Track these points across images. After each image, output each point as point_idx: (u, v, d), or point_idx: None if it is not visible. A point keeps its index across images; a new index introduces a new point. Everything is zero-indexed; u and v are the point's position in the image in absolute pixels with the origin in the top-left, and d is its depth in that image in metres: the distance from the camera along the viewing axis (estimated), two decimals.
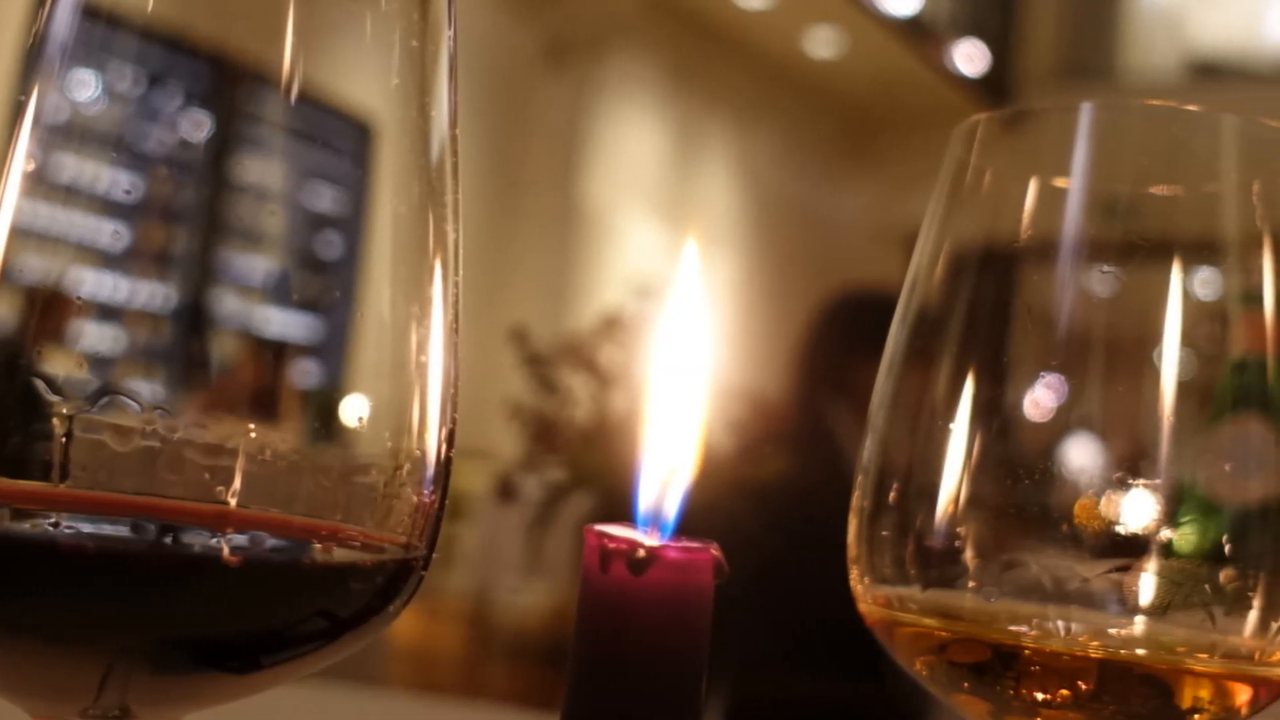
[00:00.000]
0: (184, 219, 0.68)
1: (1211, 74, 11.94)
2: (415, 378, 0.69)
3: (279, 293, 0.68)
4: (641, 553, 0.63)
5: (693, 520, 0.66)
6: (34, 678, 0.64)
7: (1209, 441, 0.80)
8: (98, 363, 0.66)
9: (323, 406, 0.69)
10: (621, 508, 0.67)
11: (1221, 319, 0.82)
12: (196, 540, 0.66)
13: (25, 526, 0.65)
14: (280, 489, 0.67)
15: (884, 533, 0.83)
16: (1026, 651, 0.78)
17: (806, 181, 13.25)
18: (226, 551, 0.64)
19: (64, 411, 0.65)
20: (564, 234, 10.57)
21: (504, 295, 9.12)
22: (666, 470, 0.66)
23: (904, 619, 0.82)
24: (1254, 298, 0.81)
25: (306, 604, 0.66)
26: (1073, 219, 0.81)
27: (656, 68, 11.32)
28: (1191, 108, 0.82)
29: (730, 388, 3.04)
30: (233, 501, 0.66)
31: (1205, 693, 0.79)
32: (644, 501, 0.66)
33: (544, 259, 10.38)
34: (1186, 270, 0.81)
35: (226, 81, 0.67)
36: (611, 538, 0.63)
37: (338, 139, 0.69)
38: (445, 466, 0.70)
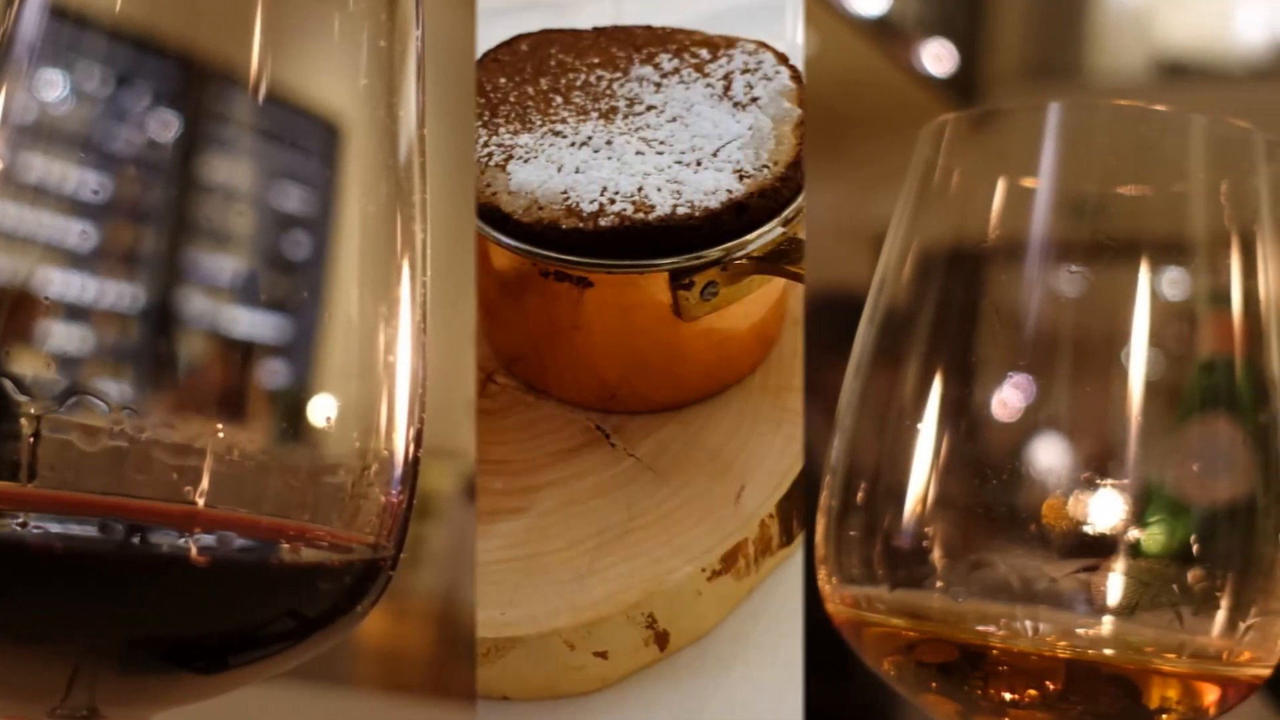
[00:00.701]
0: (152, 219, 0.68)
1: (1180, 74, 11.96)
2: (383, 377, 0.69)
3: (247, 293, 0.68)
4: None
5: None
6: (1, 677, 0.63)
7: (1177, 441, 0.80)
8: (65, 362, 0.65)
9: (290, 406, 0.69)
10: None
11: (1189, 319, 0.82)
12: (164, 540, 0.65)
13: None
14: (248, 489, 0.67)
15: (851, 532, 0.83)
16: (994, 651, 0.79)
17: None
18: (194, 551, 0.64)
19: (32, 411, 0.64)
20: None
21: (471, 295, 9.11)
22: None
23: (872, 619, 0.82)
24: (1222, 298, 0.81)
25: (274, 604, 0.66)
26: (1040, 219, 0.82)
27: None
28: (1160, 108, 0.82)
29: None
30: (200, 501, 0.65)
31: (1173, 693, 0.79)
32: None
33: None
34: (1154, 270, 0.81)
35: (194, 81, 0.67)
36: None
37: (306, 139, 0.69)
38: (413, 466, 0.70)
